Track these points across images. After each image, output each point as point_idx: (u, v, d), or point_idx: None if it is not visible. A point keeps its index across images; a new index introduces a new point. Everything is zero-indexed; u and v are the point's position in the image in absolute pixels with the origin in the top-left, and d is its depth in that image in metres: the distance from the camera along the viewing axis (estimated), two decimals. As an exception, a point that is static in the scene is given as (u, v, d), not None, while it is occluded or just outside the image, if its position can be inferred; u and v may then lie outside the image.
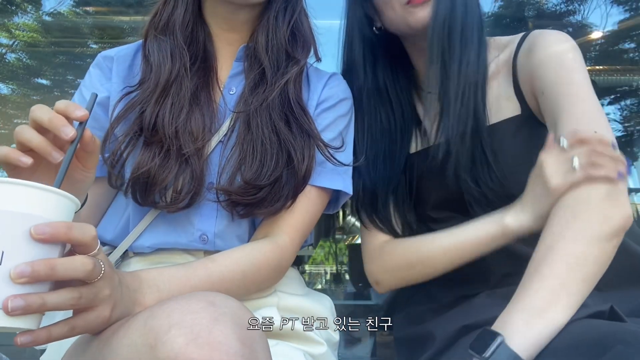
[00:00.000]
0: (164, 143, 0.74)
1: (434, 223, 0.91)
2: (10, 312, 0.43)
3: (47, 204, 0.47)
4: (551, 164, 0.72)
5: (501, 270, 0.85)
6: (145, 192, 0.74)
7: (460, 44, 0.86)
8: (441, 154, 0.83)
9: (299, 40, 0.87)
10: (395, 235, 0.94)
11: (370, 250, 0.96)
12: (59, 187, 0.50)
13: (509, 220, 0.77)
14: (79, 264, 0.47)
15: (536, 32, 0.87)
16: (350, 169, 0.88)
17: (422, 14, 0.87)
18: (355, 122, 0.93)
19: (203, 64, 0.83)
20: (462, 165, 0.83)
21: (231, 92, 0.84)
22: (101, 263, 0.51)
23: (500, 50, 0.92)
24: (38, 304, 0.45)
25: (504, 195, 0.81)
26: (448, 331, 0.80)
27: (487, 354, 0.57)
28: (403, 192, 0.93)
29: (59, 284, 0.49)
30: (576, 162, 0.69)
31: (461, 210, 0.88)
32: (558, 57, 0.81)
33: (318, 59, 0.91)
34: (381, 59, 0.97)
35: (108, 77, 0.85)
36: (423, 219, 0.93)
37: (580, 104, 0.75)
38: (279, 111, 0.80)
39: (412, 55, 0.98)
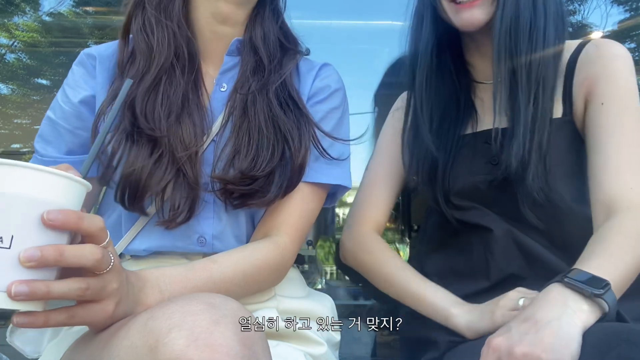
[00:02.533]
0: (156, 144, 0.74)
1: (456, 210, 0.92)
2: (13, 297, 0.44)
3: (59, 190, 0.47)
4: (506, 303, 0.79)
5: (507, 270, 0.86)
6: (134, 197, 0.73)
7: (529, 42, 0.86)
8: (517, 147, 0.86)
9: (289, 35, 0.87)
10: (383, 220, 1.01)
11: (359, 223, 0.99)
12: (85, 175, 0.52)
13: (455, 312, 0.84)
14: (87, 252, 0.47)
15: (602, 40, 0.90)
16: (349, 160, 0.88)
17: (467, 16, 0.86)
18: (420, 95, 0.95)
19: (188, 64, 0.82)
20: (526, 159, 0.86)
21: (222, 89, 0.84)
22: (110, 255, 0.51)
23: None
24: (43, 292, 0.45)
25: (544, 193, 0.83)
26: (449, 337, 0.82)
27: (600, 292, 0.66)
28: (443, 170, 0.96)
29: (66, 273, 0.49)
30: (521, 302, 0.78)
31: (484, 202, 0.89)
32: (622, 72, 0.85)
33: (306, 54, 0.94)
34: (446, 43, 0.98)
35: (93, 75, 0.84)
36: (447, 205, 0.96)
37: (625, 143, 0.81)
38: (276, 98, 0.79)
39: (466, 46, 0.99)
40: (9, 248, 0.44)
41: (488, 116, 0.95)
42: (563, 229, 0.87)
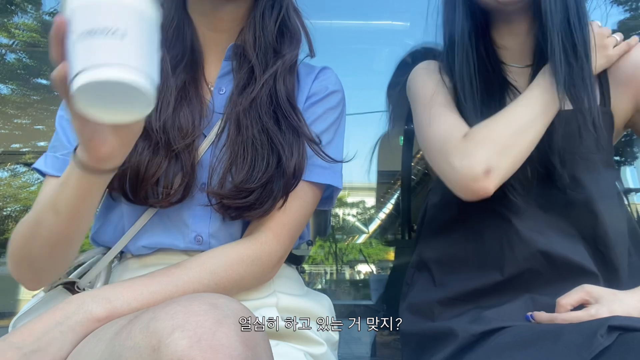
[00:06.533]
0: (152, 137, 0.74)
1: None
2: None
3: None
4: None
5: (525, 265, 0.83)
6: (136, 187, 0.74)
7: (577, 16, 0.85)
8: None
9: (286, 35, 0.86)
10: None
11: (455, 138, 0.85)
12: None
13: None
14: None
15: None
16: (341, 163, 0.87)
17: None
18: (462, 80, 0.91)
19: (190, 59, 0.82)
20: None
21: (221, 92, 0.84)
22: None
23: None
24: None
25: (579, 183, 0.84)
26: (472, 330, 0.77)
27: None
28: None
29: None
30: None
31: (511, 187, 0.84)
32: None
33: (312, 55, 0.89)
34: (478, 29, 0.93)
35: None
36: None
37: None
38: (267, 109, 0.79)
39: (496, 28, 0.94)
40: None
41: None
42: (590, 222, 0.84)
